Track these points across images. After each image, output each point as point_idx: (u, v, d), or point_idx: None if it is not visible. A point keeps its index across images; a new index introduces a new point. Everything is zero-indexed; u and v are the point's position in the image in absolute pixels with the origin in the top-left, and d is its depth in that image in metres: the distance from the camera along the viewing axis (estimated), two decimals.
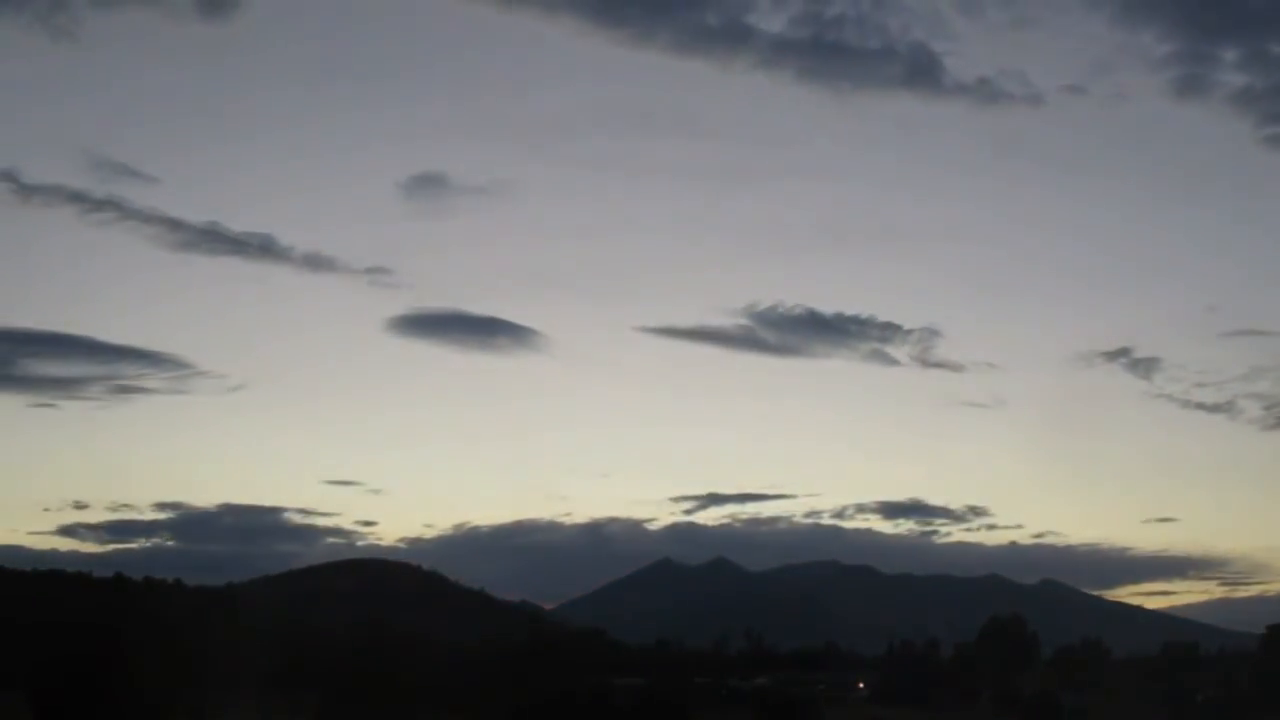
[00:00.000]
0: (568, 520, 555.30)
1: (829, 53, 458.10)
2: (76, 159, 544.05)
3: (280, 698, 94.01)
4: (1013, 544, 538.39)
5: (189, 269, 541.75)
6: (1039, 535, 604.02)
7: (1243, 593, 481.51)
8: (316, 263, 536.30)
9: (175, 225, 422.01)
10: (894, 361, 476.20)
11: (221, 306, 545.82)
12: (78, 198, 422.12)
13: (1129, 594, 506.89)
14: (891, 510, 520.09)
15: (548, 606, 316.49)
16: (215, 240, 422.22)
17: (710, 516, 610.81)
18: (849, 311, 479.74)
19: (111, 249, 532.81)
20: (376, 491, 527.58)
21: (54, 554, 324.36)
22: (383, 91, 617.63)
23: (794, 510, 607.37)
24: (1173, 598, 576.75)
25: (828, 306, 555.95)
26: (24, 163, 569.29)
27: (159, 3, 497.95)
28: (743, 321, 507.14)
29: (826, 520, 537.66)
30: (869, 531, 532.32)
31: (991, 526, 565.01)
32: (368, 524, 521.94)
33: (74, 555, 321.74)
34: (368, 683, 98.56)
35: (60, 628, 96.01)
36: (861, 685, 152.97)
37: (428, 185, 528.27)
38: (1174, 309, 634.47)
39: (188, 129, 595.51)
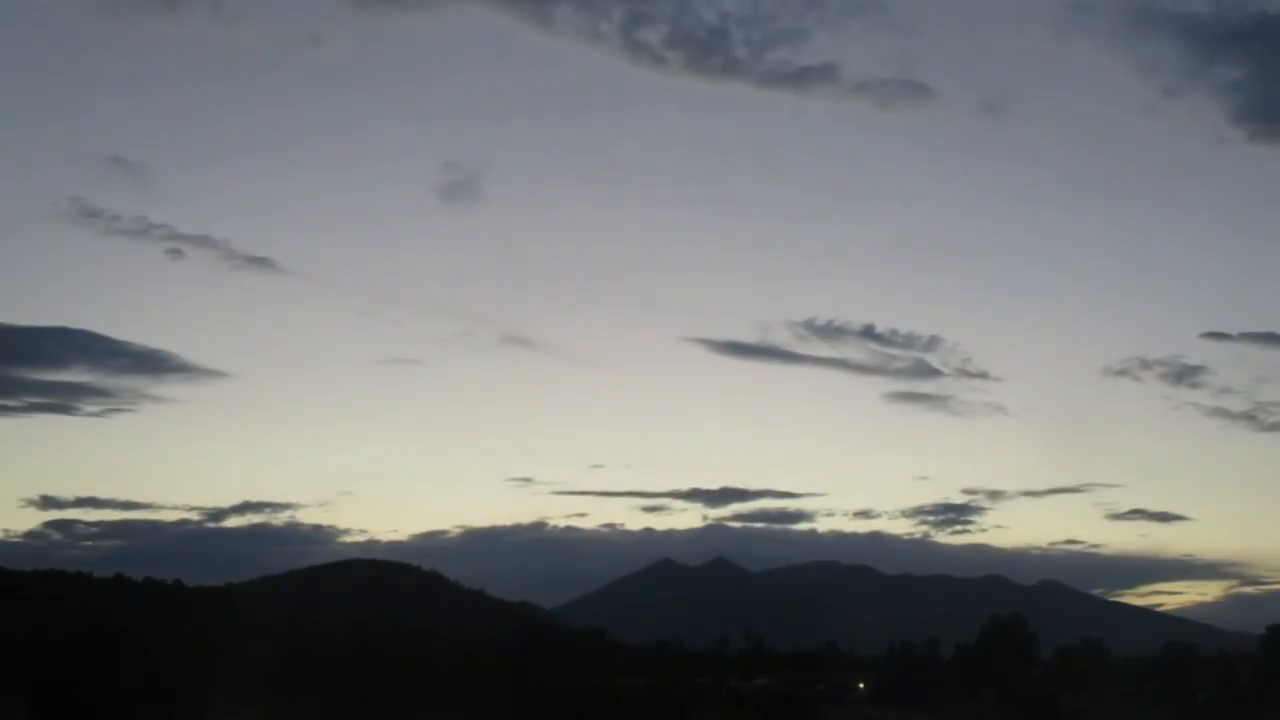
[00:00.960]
0: (569, 521, 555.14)
1: (908, 86, 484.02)
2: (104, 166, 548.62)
3: (280, 698, 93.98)
4: (1043, 545, 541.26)
5: (212, 279, 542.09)
6: (1047, 537, 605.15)
7: (1243, 593, 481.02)
8: (330, 270, 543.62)
9: (208, 242, 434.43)
10: (936, 372, 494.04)
11: (237, 314, 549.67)
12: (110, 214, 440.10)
13: (1129, 594, 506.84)
14: (916, 512, 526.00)
15: (548, 606, 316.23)
16: (235, 253, 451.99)
17: (729, 516, 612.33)
18: (904, 327, 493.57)
19: (142, 260, 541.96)
20: (380, 491, 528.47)
21: (55, 553, 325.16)
22: (461, 127, 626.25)
23: (817, 508, 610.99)
24: (1173, 598, 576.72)
25: (885, 322, 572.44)
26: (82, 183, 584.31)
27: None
28: (801, 334, 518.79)
29: (852, 520, 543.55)
30: (875, 532, 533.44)
31: (1004, 527, 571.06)
32: (369, 525, 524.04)
33: (75, 554, 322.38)
34: (368, 683, 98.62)
35: (60, 628, 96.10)
36: (861, 685, 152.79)
37: (462, 196, 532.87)
38: (1200, 318, 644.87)
39: (229, 154, 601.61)
